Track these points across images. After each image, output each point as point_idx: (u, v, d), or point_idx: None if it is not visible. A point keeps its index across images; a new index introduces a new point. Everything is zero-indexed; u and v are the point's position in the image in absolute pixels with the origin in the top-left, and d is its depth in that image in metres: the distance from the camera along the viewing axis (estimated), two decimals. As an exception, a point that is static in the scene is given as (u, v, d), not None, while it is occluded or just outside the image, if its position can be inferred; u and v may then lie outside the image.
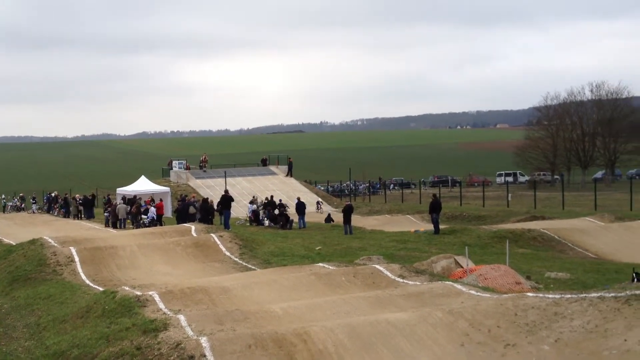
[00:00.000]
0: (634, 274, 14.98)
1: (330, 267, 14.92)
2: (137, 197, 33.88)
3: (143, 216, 30.88)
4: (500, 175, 78.00)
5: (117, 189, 42.24)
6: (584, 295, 9.12)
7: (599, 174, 73.66)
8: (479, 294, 10.93)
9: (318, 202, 46.73)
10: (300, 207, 32.54)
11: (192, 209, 29.00)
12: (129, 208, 31.61)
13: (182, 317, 10.14)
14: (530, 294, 10.07)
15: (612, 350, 7.56)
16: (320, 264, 15.93)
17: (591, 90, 76.68)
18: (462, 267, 15.77)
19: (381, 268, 14.02)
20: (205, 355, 8.26)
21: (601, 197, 40.69)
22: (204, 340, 8.64)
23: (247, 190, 48.45)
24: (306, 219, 32.81)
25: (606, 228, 27.55)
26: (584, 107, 76.24)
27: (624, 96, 75.83)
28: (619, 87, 77.43)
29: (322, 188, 63.78)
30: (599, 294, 8.98)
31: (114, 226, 31.35)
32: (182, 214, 29.35)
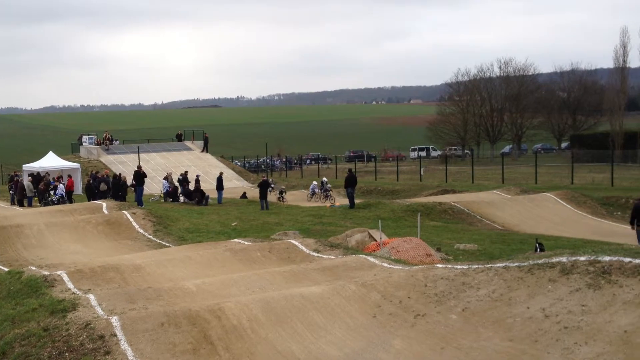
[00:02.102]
0: (537, 244, 15.75)
1: (246, 243, 14.90)
2: (46, 174, 32.56)
3: (51, 193, 29.72)
4: (413, 150, 79.75)
5: (24, 165, 40.47)
6: (490, 265, 9.49)
7: (506, 149, 76.57)
8: (391, 266, 11.19)
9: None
10: (220, 182, 32.28)
11: (103, 186, 28.14)
12: (32, 185, 30.36)
13: (92, 297, 9.87)
14: (439, 265, 10.40)
15: (515, 318, 7.91)
16: (236, 240, 15.88)
17: (500, 67, 79.46)
18: (375, 240, 16.07)
19: (296, 243, 14.12)
20: (115, 335, 8.07)
21: (508, 170, 42.39)
22: (114, 320, 8.45)
23: (161, 166, 47.45)
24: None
25: (512, 200, 28.76)
26: (492, 83, 78.83)
27: (530, 73, 79.00)
28: (525, 63, 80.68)
29: (239, 163, 63.29)
30: (504, 264, 9.36)
31: (20, 204, 30.04)
32: (93, 191, 28.43)
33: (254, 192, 33.58)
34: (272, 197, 33.74)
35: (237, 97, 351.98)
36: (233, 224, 22.14)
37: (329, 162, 69.60)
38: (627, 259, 8.14)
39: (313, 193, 35.75)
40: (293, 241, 14.40)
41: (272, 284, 10.66)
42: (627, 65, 60.04)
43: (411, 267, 10.95)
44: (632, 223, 17.06)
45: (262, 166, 63.85)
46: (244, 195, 35.85)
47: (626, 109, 60.60)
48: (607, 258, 8.32)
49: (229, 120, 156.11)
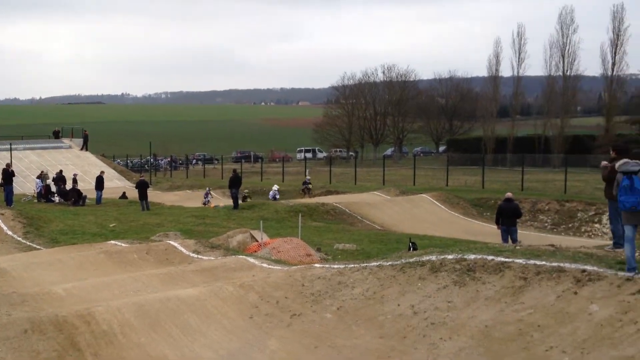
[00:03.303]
0: (410, 243, 16.35)
1: (123, 245, 14.48)
2: None
3: None
4: (300, 151, 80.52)
5: None
6: (366, 264, 9.74)
7: (388, 151, 78.91)
8: (270, 266, 11.23)
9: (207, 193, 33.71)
10: (99, 181, 31.15)
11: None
12: None
13: (-52, 304, 9.19)
14: (317, 265, 10.56)
15: (387, 315, 8.15)
16: (112, 242, 15.38)
17: (383, 72, 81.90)
18: (257, 241, 16.07)
19: (176, 244, 13.86)
20: (-28, 344, 7.57)
21: (389, 172, 43.61)
22: (-29, 328, 7.91)
23: (36, 164, 45.13)
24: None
25: (391, 201, 29.70)
26: (377, 87, 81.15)
27: (411, 79, 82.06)
28: (407, 70, 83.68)
29: (121, 163, 61.23)
30: (378, 263, 9.64)
31: None
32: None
33: (134, 192, 32.59)
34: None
35: (122, 94, 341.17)
36: (111, 225, 21.40)
37: (216, 162, 68.82)
38: (490, 257, 8.60)
39: (274, 199, 31.30)
40: (172, 242, 14.12)
41: (148, 287, 10.39)
42: (500, 74, 63.85)
43: (290, 267, 11.04)
44: (497, 222, 18.02)
45: (146, 166, 62.12)
46: (123, 196, 34.75)
47: (498, 115, 64.30)
48: (472, 256, 8.76)
49: (112, 118, 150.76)
